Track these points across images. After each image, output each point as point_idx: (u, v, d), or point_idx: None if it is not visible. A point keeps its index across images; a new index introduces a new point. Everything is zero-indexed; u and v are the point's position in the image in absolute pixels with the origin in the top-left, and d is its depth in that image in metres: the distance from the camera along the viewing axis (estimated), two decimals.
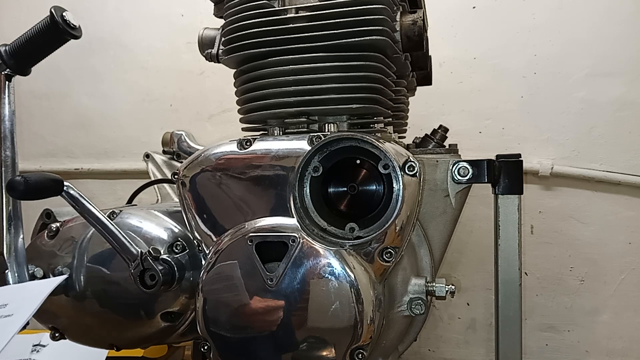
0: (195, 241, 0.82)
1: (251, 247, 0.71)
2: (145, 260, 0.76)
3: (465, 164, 0.78)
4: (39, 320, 0.89)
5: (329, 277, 0.68)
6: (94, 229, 0.79)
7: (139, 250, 0.77)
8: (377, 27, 0.74)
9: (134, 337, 0.87)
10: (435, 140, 0.91)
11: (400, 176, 0.69)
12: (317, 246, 0.70)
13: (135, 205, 1.06)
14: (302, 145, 0.74)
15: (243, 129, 0.89)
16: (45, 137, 1.78)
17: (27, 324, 0.74)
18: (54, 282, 0.59)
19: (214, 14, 0.92)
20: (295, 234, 0.70)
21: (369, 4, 0.75)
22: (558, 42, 1.41)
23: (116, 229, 0.78)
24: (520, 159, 0.79)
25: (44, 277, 0.85)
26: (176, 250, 0.83)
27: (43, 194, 0.72)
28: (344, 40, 0.75)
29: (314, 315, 0.69)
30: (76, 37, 0.76)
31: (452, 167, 0.78)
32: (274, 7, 0.80)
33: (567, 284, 1.44)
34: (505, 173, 0.78)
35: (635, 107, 1.37)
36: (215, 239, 0.77)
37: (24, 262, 0.78)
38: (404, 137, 1.07)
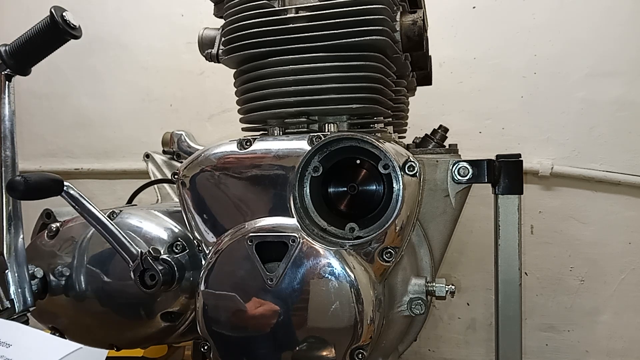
0: (195, 241, 0.82)
1: (251, 247, 0.71)
2: (145, 260, 0.76)
3: (465, 164, 0.78)
4: (39, 320, 0.89)
5: (329, 277, 0.68)
6: (94, 229, 0.79)
7: (139, 250, 0.77)
8: (377, 27, 0.74)
9: (134, 337, 0.87)
10: (435, 140, 0.91)
11: (400, 176, 0.69)
12: (317, 246, 0.70)
13: (135, 205, 1.06)
14: (302, 145, 0.74)
15: (243, 129, 0.89)
16: (45, 137, 1.78)
17: (27, 320, 0.74)
18: (69, 347, 0.56)
19: (214, 14, 0.92)
20: (295, 234, 0.70)
21: (369, 4, 0.75)
22: (558, 42, 1.41)
23: (116, 229, 0.78)
24: (520, 159, 0.79)
25: (44, 277, 0.85)
26: (176, 250, 0.83)
27: (43, 194, 0.72)
28: (344, 40, 0.75)
29: (314, 315, 0.69)
30: (76, 37, 0.76)
31: (452, 167, 0.78)
32: (274, 7, 0.80)
33: (567, 284, 1.44)
34: (505, 173, 0.78)
35: (635, 107, 1.37)
36: (215, 239, 0.77)
37: (24, 262, 0.78)
38: (404, 137, 1.07)
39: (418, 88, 1.12)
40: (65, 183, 0.76)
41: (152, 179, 1.27)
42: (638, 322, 1.40)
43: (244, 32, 0.79)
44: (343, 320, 0.68)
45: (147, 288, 0.76)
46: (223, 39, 0.83)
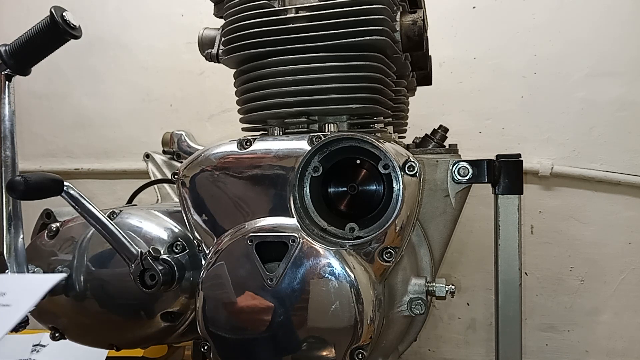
0: (195, 241, 0.82)
1: (251, 247, 0.71)
2: (145, 260, 0.76)
3: (465, 164, 0.78)
4: (39, 320, 0.89)
5: (329, 277, 0.68)
6: (94, 229, 0.79)
7: (139, 250, 0.77)
8: (377, 27, 0.74)
9: (134, 337, 0.87)
10: (435, 140, 0.91)
11: (400, 176, 0.69)
12: (317, 246, 0.70)
13: (135, 205, 1.06)
14: (302, 145, 0.74)
15: (243, 129, 0.89)
16: (45, 137, 1.78)
17: (27, 320, 0.74)
18: (54, 278, 0.60)
19: (214, 14, 0.92)
20: (295, 234, 0.70)
21: (368, 4, 0.75)
22: (558, 42, 1.41)
23: (116, 229, 0.78)
24: (520, 159, 0.79)
25: None
26: (176, 250, 0.83)
27: (43, 194, 0.72)
28: (343, 40, 0.75)
29: (314, 315, 0.69)
30: (76, 37, 0.76)
31: (452, 167, 0.78)
32: (274, 7, 0.80)
33: (567, 284, 1.44)
34: (505, 173, 0.78)
35: (635, 107, 1.37)
36: (215, 239, 0.77)
37: (24, 262, 0.78)
38: (404, 137, 1.07)
39: (418, 88, 1.12)
40: (65, 183, 0.76)
41: (152, 179, 1.27)
42: (638, 322, 1.40)
43: (244, 32, 0.79)
44: (343, 320, 0.68)
45: (147, 288, 0.76)
46: (223, 39, 0.83)
